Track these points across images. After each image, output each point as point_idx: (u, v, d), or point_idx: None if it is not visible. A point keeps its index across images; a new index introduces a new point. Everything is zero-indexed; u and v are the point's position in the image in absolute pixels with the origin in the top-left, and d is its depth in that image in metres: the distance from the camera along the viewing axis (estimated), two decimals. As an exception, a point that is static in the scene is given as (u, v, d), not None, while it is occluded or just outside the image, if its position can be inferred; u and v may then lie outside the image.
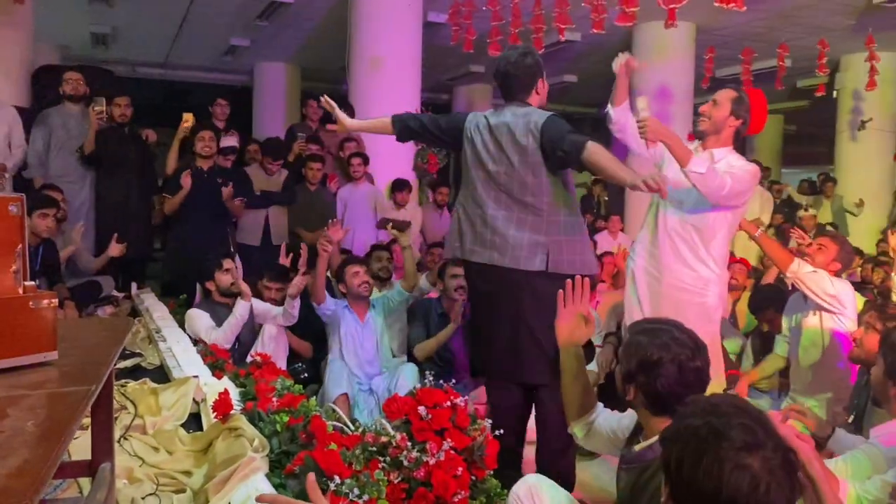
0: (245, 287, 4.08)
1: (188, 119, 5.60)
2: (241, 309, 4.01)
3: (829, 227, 8.64)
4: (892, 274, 5.28)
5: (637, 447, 1.97)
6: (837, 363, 3.60)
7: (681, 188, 3.24)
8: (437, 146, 5.22)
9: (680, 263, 3.26)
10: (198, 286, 4.75)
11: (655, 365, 1.88)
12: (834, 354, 3.61)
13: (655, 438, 1.90)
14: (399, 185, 6.52)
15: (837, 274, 3.71)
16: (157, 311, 4.52)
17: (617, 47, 3.59)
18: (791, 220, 9.61)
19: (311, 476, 1.35)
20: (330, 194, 6.28)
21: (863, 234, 9.03)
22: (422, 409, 2.46)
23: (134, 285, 5.37)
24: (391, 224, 4.82)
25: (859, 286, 5.11)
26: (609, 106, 3.49)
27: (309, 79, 11.36)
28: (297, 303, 4.20)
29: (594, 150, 2.76)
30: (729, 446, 1.25)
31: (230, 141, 5.92)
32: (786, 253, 3.70)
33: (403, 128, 3.26)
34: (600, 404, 2.38)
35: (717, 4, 5.24)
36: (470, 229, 3.08)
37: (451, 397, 2.53)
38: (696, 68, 8.53)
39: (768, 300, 4.54)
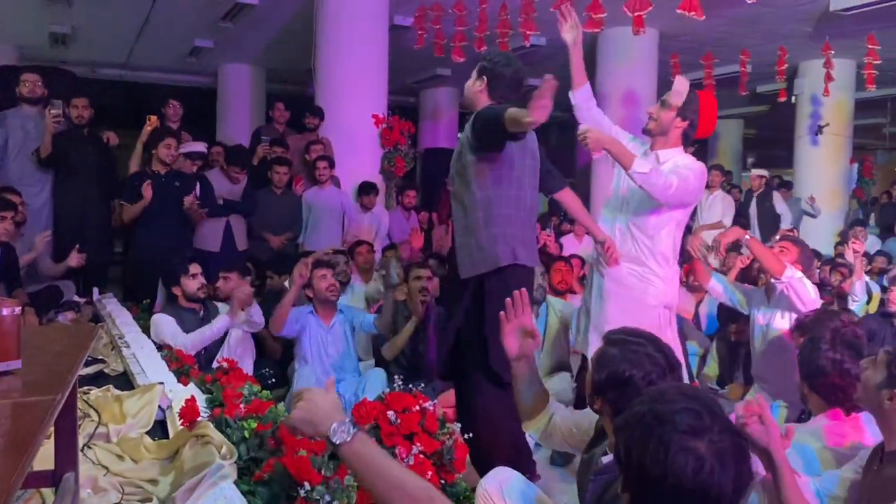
0: (237, 310, 4.00)
1: (153, 121, 5.53)
2: (220, 323, 3.96)
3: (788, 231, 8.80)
4: (853, 280, 5.39)
5: (605, 459, 1.97)
6: None
7: (627, 192, 3.34)
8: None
9: (622, 259, 3.34)
10: (159, 290, 4.68)
11: (626, 383, 1.86)
12: None
13: None
14: (366, 189, 6.51)
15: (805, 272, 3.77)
16: (120, 316, 4.44)
17: (583, 52, 3.62)
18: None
19: None
20: (296, 198, 6.24)
21: (820, 235, 9.23)
22: (391, 414, 2.45)
23: (96, 290, 5.27)
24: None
25: (818, 288, 5.22)
26: (570, 92, 3.52)
27: (274, 80, 11.28)
28: (257, 308, 4.18)
29: (512, 112, 2.71)
30: (672, 430, 1.27)
31: (198, 146, 5.85)
32: (778, 259, 3.67)
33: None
34: (555, 403, 2.40)
35: (679, 11, 5.31)
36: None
37: (420, 401, 2.53)
38: (660, 73, 8.65)
39: (737, 311, 4.59)
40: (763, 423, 1.73)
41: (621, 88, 8.30)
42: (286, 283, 4.93)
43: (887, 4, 6.71)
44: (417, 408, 2.49)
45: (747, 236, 3.74)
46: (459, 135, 3.14)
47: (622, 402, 1.83)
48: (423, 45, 7.44)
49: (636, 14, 5.60)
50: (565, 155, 13.43)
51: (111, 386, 2.99)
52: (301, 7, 7.63)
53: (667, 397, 1.35)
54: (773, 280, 3.60)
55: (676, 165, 3.24)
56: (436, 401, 2.70)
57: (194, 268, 4.12)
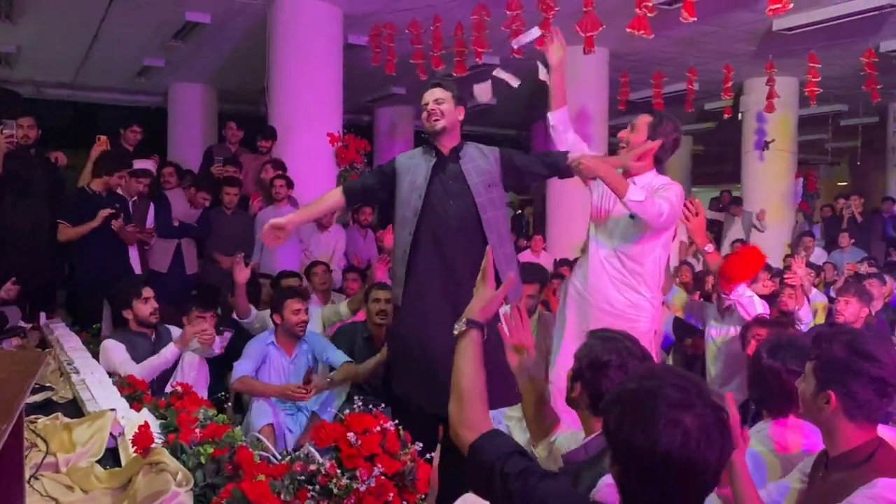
0: (188, 335, 3.89)
1: (102, 141, 5.43)
2: (169, 353, 3.85)
3: (738, 243, 9.00)
4: (796, 309, 5.51)
5: (572, 448, 2.00)
6: None
7: (609, 219, 3.32)
8: None
9: (611, 288, 3.30)
10: (105, 312, 4.57)
11: (603, 365, 2.02)
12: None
13: (589, 437, 1.94)
14: (322, 208, 6.45)
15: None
16: (68, 341, 4.32)
17: (534, 71, 3.67)
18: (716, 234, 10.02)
19: None
20: (248, 218, 6.17)
21: (769, 248, 9.45)
22: (351, 436, 2.42)
23: (43, 315, 5.12)
24: None
25: (768, 299, 5.33)
26: (549, 114, 3.53)
27: (226, 100, 11.16)
28: (218, 340, 4.11)
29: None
30: (663, 403, 1.33)
31: (145, 164, 5.76)
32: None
33: (354, 194, 3.51)
34: (561, 424, 2.42)
35: (629, 30, 5.42)
36: None
37: (381, 422, 2.51)
38: (610, 92, 8.81)
39: (693, 326, 4.67)
40: None
41: (574, 106, 8.33)
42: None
43: (826, 24, 6.96)
44: (378, 429, 2.46)
45: (708, 248, 3.75)
46: (477, 164, 3.18)
47: (597, 385, 2.01)
48: (378, 63, 7.45)
49: (587, 35, 5.71)
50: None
51: (60, 414, 2.90)
52: (253, 26, 7.59)
53: (655, 374, 1.43)
54: (723, 296, 3.65)
55: (653, 187, 3.25)
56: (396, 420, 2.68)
57: (147, 291, 4.01)
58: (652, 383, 1.37)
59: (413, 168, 3.23)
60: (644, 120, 3.36)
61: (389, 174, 3.31)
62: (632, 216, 3.24)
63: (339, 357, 4.23)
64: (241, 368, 4.04)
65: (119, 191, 5.23)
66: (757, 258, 3.84)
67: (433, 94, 3.17)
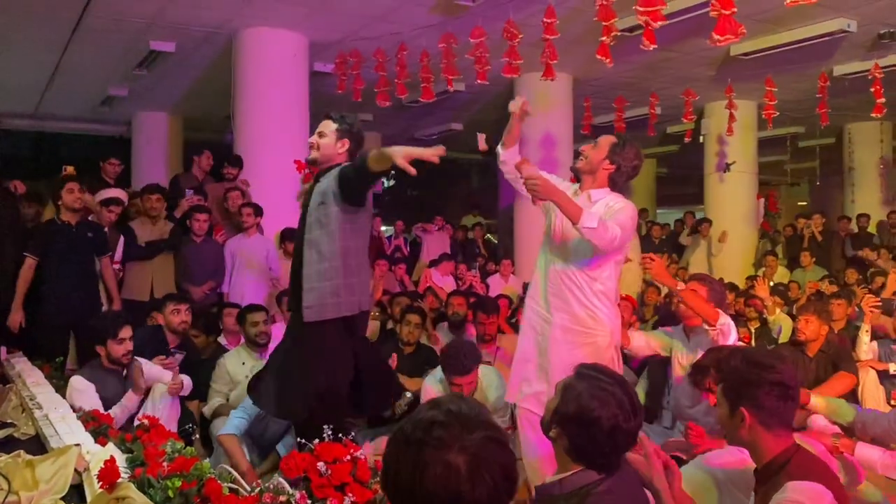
0: (142, 383, 3.86)
1: (69, 171, 5.38)
2: (130, 402, 3.80)
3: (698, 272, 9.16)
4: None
5: (547, 480, 1.99)
6: None
7: (568, 239, 3.36)
8: None
9: (568, 304, 3.33)
10: (72, 345, 4.49)
11: (592, 423, 1.88)
12: None
13: (567, 473, 1.93)
14: (289, 235, 6.44)
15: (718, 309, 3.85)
16: (30, 376, 4.22)
17: (501, 96, 3.75)
18: (679, 256, 10.15)
19: None
20: (217, 245, 6.13)
21: (733, 268, 9.62)
22: (321, 465, 2.41)
23: (3, 350, 5.00)
24: None
25: (734, 319, 5.41)
26: (499, 146, 3.61)
27: (191, 128, 11.12)
28: (187, 379, 4.08)
29: (374, 153, 3.05)
30: (423, 444, 1.29)
31: (115, 192, 5.70)
32: (711, 307, 3.66)
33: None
34: None
35: (598, 56, 5.52)
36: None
37: (351, 451, 2.50)
38: (575, 116, 8.94)
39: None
40: (646, 458, 1.85)
41: (539, 131, 8.52)
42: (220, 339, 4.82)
43: (781, 50, 7.17)
44: (348, 457, 2.45)
45: (679, 287, 3.74)
46: (319, 184, 3.32)
47: (582, 440, 1.90)
48: (344, 90, 7.49)
49: (549, 62, 5.82)
50: (488, 196, 13.67)
51: (22, 451, 2.82)
52: (218, 54, 7.59)
53: (419, 415, 1.37)
54: (707, 327, 3.62)
55: (609, 207, 3.30)
56: (365, 451, 2.67)
57: (125, 332, 3.89)
58: (413, 426, 1.33)
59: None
60: (608, 140, 3.43)
61: None
62: None
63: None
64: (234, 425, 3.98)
65: (91, 217, 5.14)
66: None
67: (319, 126, 3.45)
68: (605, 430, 1.87)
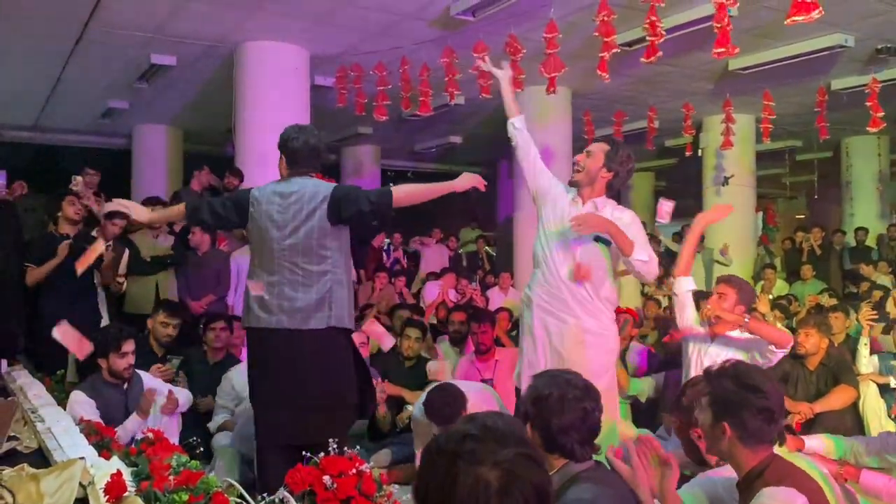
0: (147, 404, 3.83)
1: (78, 182, 5.39)
2: (131, 424, 3.77)
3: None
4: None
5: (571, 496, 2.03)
6: None
7: (568, 237, 3.39)
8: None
9: (583, 312, 3.38)
10: (71, 358, 4.47)
11: (545, 399, 2.10)
12: None
13: (551, 472, 1.99)
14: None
15: (748, 312, 3.78)
16: (32, 389, 4.20)
17: (499, 110, 3.78)
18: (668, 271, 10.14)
19: None
20: (221, 256, 6.13)
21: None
22: (326, 479, 2.40)
23: (3, 363, 4.99)
24: None
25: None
26: (511, 121, 3.73)
27: (191, 141, 11.14)
28: (184, 393, 4.07)
29: (401, 190, 3.16)
30: (455, 458, 1.27)
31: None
32: (780, 331, 3.64)
33: (192, 214, 3.50)
34: None
35: (598, 72, 5.56)
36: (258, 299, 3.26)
37: (357, 464, 2.49)
38: (574, 130, 8.97)
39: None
40: (631, 464, 1.99)
41: (538, 144, 8.43)
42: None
43: (779, 64, 7.21)
44: (354, 471, 2.45)
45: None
46: (308, 190, 3.24)
47: (543, 419, 2.10)
48: (344, 104, 7.52)
49: (551, 76, 5.84)
50: (487, 209, 13.69)
51: (26, 465, 2.82)
52: (220, 67, 7.62)
53: (454, 428, 1.36)
54: (775, 349, 3.51)
55: (617, 219, 3.34)
56: (371, 463, 2.66)
57: (127, 346, 3.88)
58: (447, 439, 1.32)
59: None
60: (601, 148, 3.46)
61: (244, 203, 3.50)
62: (597, 239, 3.34)
63: None
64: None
65: (94, 233, 5.14)
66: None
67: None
68: (559, 405, 2.08)
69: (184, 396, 4.08)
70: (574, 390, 2.12)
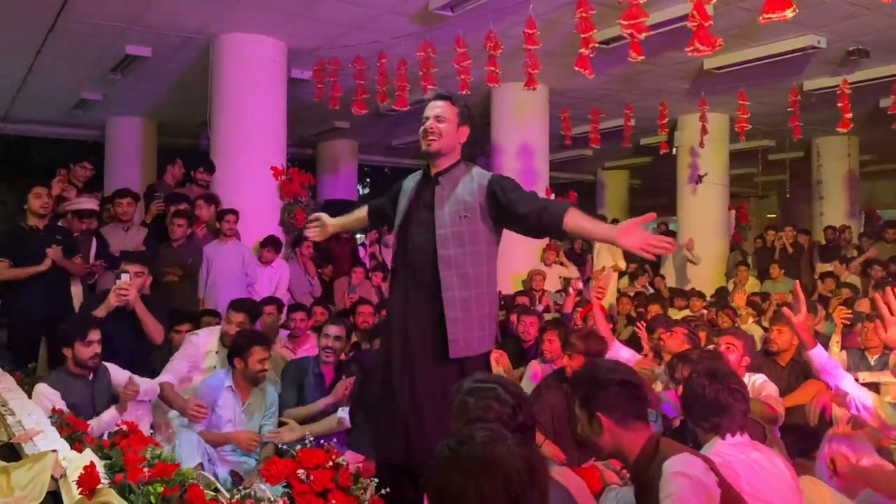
0: (127, 398, 3.78)
1: (63, 174, 5.33)
2: (108, 417, 3.70)
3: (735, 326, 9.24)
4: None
5: None
6: None
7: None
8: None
9: None
10: (42, 348, 4.41)
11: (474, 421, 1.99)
12: None
13: None
14: (266, 242, 6.43)
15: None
16: (2, 382, 4.15)
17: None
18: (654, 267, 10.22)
19: None
20: (195, 245, 6.07)
21: (705, 279, 9.74)
22: (301, 473, 2.39)
23: (-23, 357, 4.93)
24: None
25: (709, 328, 5.47)
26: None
27: (166, 134, 11.02)
28: (150, 384, 4.03)
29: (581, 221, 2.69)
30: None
31: (87, 203, 5.62)
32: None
33: (373, 212, 3.26)
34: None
35: (576, 68, 5.58)
36: None
37: (333, 457, 2.49)
38: (551, 127, 9.01)
39: None
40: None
41: (515, 141, 8.58)
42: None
43: (753, 64, 7.31)
44: (330, 464, 2.45)
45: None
46: (462, 189, 2.80)
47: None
48: (321, 98, 7.48)
49: (530, 73, 5.86)
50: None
51: (-4, 458, 2.79)
52: (195, 60, 7.54)
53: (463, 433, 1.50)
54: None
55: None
56: (346, 457, 2.66)
57: (93, 334, 3.82)
58: (458, 437, 1.48)
59: (407, 191, 2.95)
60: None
61: (394, 195, 3.04)
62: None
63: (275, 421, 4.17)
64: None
65: (42, 211, 5.04)
66: None
67: (434, 109, 2.85)
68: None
69: (143, 385, 3.99)
70: (505, 409, 2.10)
